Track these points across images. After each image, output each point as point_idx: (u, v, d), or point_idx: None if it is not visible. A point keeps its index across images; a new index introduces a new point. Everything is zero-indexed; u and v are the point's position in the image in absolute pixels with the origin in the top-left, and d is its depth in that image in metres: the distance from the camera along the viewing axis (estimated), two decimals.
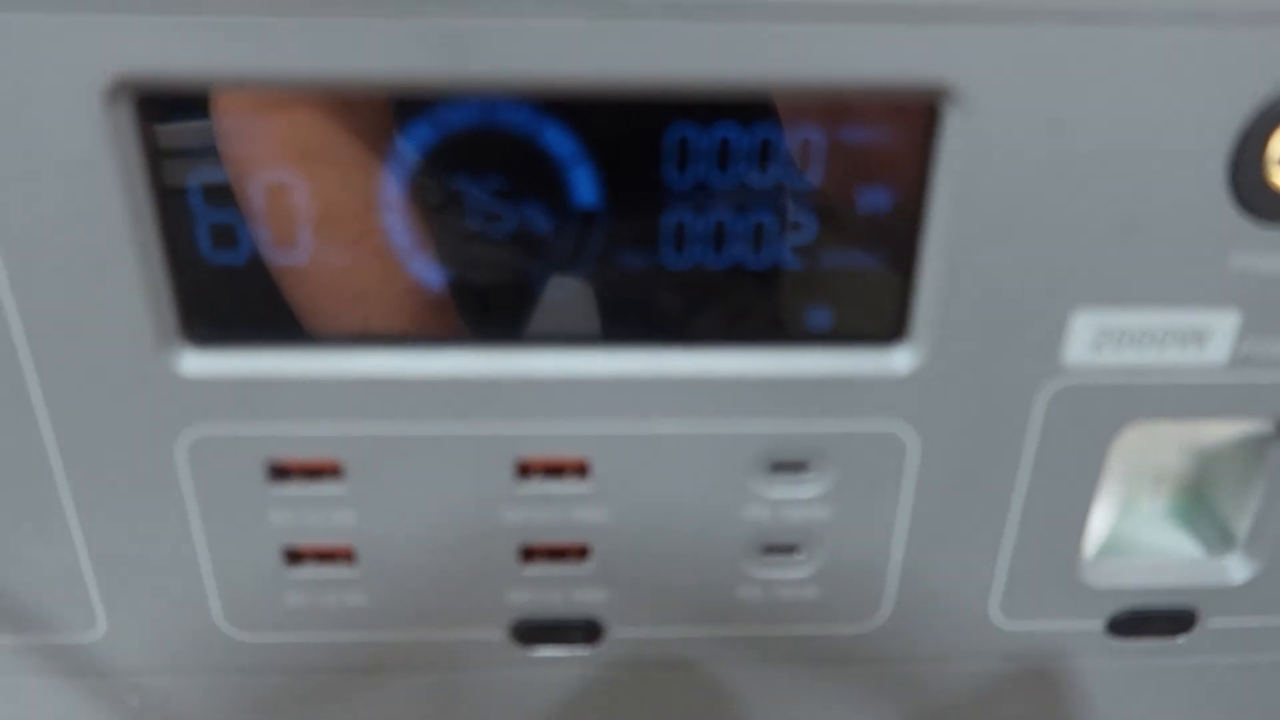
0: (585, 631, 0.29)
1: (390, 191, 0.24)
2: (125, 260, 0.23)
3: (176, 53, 0.21)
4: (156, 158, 0.23)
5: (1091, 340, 0.25)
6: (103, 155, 0.22)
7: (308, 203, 0.24)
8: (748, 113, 0.23)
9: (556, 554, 0.28)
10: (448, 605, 0.29)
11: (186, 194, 0.23)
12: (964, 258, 0.24)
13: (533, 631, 0.29)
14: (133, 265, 0.23)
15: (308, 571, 0.28)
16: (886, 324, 0.26)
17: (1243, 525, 0.30)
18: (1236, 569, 0.30)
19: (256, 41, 0.21)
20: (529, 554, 0.28)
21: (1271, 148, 0.23)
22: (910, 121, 0.23)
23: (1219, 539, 0.30)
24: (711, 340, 0.26)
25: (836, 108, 0.23)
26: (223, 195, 0.24)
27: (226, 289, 0.24)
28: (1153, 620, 0.30)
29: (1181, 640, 0.31)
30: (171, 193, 0.23)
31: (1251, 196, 0.24)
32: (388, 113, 0.23)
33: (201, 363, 0.25)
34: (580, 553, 0.28)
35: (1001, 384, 0.26)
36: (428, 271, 0.25)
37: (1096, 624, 0.30)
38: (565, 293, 0.25)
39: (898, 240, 0.25)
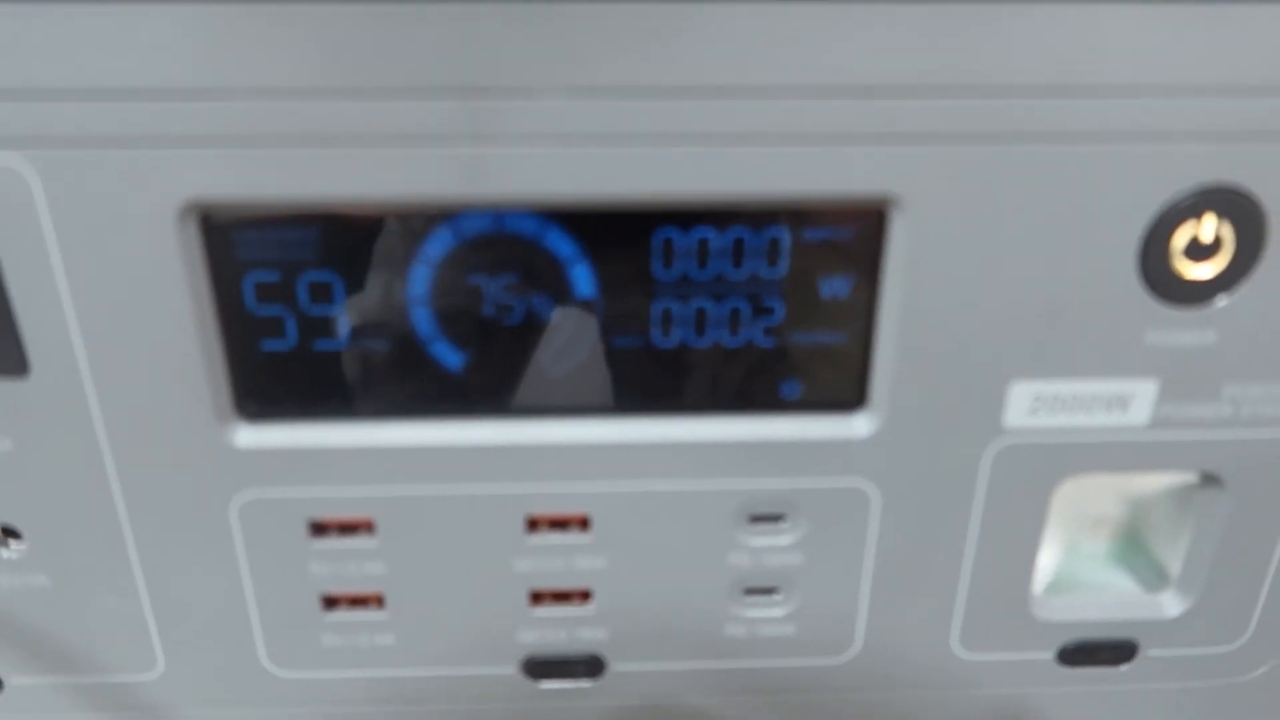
0: (588, 666, 0.33)
1: (416, 287, 0.28)
2: (189, 349, 0.27)
3: (237, 180, 0.25)
4: (217, 263, 0.26)
5: (1028, 407, 0.29)
6: (173, 263, 0.26)
7: (345, 298, 0.28)
8: (723, 218, 0.27)
9: (562, 597, 0.32)
10: (466, 644, 0.32)
11: (242, 292, 0.27)
12: (913, 336, 0.28)
13: (541, 667, 0.33)
14: (196, 353, 0.27)
15: (342, 616, 0.31)
16: (849, 394, 0.29)
17: (1175, 565, 0.33)
18: (1171, 604, 0.33)
19: (304, 169, 0.25)
20: (537, 598, 0.32)
21: (1174, 242, 0.27)
22: (862, 223, 0.27)
23: (1155, 577, 0.34)
24: (696, 409, 0.29)
25: (800, 212, 0.27)
26: (272, 292, 0.27)
27: (275, 372, 0.28)
28: (1098, 651, 0.33)
29: (1125, 669, 0.34)
30: (229, 291, 0.27)
31: (1160, 283, 0.27)
32: (415, 222, 0.27)
33: (253, 435, 0.28)
34: (583, 596, 0.32)
35: (951, 444, 0.29)
36: (448, 354, 0.28)
37: (1048, 655, 0.34)
38: (567, 371, 0.29)
39: (856, 321, 0.28)
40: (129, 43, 0.23)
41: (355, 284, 0.27)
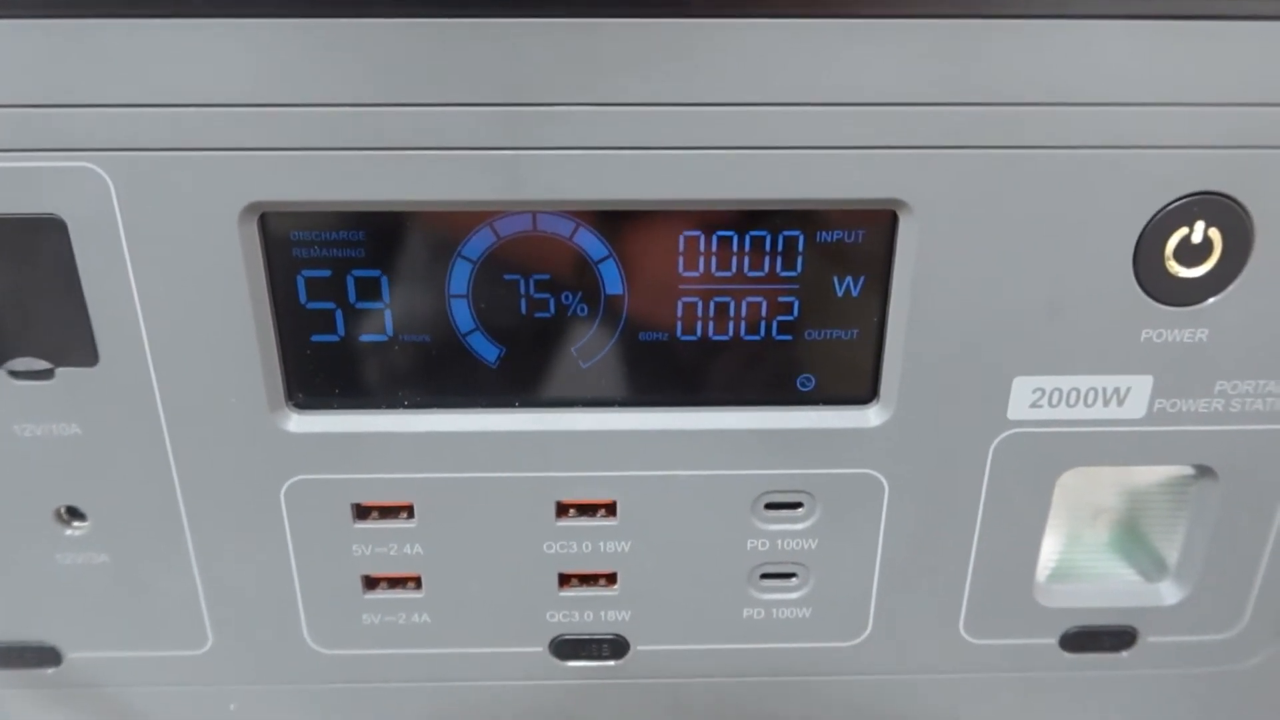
0: (613, 647, 0.35)
1: (456, 283, 0.30)
2: (246, 341, 0.29)
3: (294, 184, 0.27)
4: (273, 261, 0.29)
5: (1030, 400, 0.31)
6: (234, 260, 0.28)
7: (390, 293, 0.30)
8: (743, 220, 0.29)
9: (588, 580, 0.34)
10: (497, 624, 0.34)
11: (295, 288, 0.29)
12: (922, 333, 0.30)
13: (568, 647, 0.35)
14: (252, 344, 0.29)
15: (382, 595, 0.33)
16: (861, 387, 0.31)
17: (1173, 554, 0.35)
18: (1169, 592, 0.35)
19: (355, 175, 0.27)
20: (565, 580, 0.33)
21: (1167, 245, 0.28)
22: (873, 226, 0.29)
23: (1153, 566, 0.35)
24: (717, 401, 0.31)
25: (815, 216, 0.29)
26: (323, 288, 0.29)
27: (324, 364, 0.30)
28: (1099, 637, 0.35)
29: (1125, 654, 0.35)
30: (284, 287, 0.29)
31: (1154, 284, 0.29)
32: (457, 222, 0.29)
33: (302, 423, 0.30)
34: (609, 579, 0.34)
35: (958, 435, 0.31)
36: (485, 347, 0.30)
37: (1051, 640, 0.35)
38: (596, 363, 0.31)
39: (868, 319, 0.30)
40: (198, 60, 0.25)
41: (399, 281, 0.29)
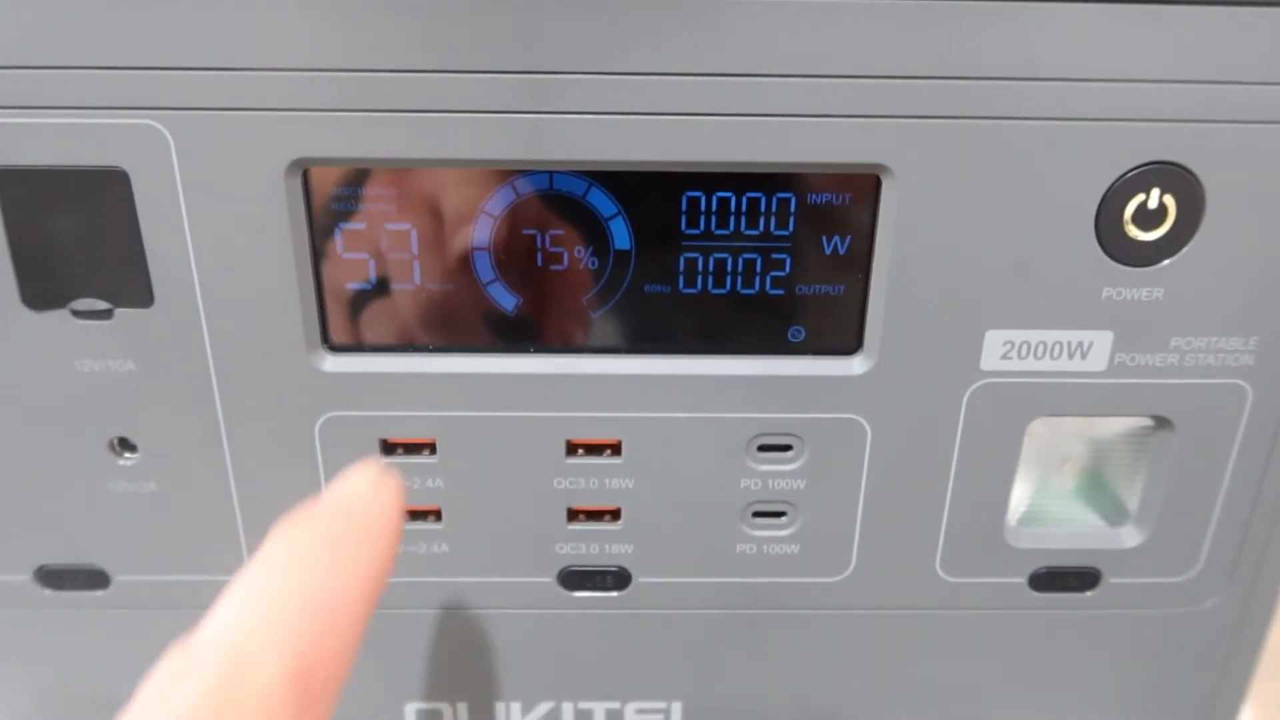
0: (616, 578, 0.38)
1: (478, 237, 0.32)
2: (288, 286, 0.32)
3: (335, 143, 0.30)
4: (314, 213, 0.31)
5: (1001, 352, 0.33)
6: (279, 212, 0.31)
7: (419, 245, 0.32)
8: (741, 182, 0.32)
9: (594, 515, 0.36)
10: (510, 555, 0.37)
11: (333, 238, 0.32)
12: (902, 288, 0.32)
13: (575, 578, 0.37)
14: (292, 289, 0.32)
15: (405, 526, 0.36)
16: (847, 338, 0.34)
17: (1133, 501, 0.37)
18: (1130, 536, 0.37)
19: (390, 134, 0.30)
20: (573, 515, 0.36)
21: (1125, 210, 0.31)
22: (859, 189, 0.32)
23: (1115, 512, 0.38)
24: (715, 349, 0.34)
25: (806, 179, 0.32)
26: (358, 239, 0.32)
27: (357, 308, 0.33)
28: (1065, 577, 0.38)
29: (1089, 594, 0.38)
30: (323, 237, 0.32)
31: (1114, 246, 0.32)
32: (481, 180, 0.32)
33: (337, 363, 0.33)
34: (614, 515, 0.36)
35: (934, 384, 0.34)
36: (504, 296, 0.33)
37: (1021, 579, 0.38)
38: (605, 313, 0.34)
39: (854, 275, 0.33)
40: (252, 26, 0.28)
41: (427, 234, 0.32)
